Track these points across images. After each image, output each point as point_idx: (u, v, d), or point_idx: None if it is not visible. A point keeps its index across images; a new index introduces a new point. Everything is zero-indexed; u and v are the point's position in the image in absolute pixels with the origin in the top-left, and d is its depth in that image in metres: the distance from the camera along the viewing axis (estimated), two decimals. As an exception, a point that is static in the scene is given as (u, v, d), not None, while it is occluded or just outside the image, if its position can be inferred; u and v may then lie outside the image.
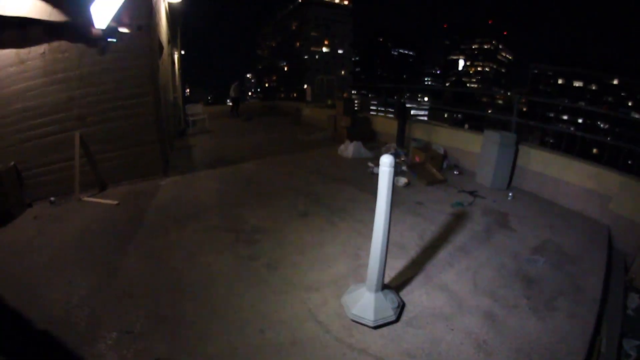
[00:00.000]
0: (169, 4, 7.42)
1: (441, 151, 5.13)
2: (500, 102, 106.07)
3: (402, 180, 4.12)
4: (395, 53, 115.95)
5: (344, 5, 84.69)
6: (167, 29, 8.54)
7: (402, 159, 5.17)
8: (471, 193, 4.04)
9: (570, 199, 3.86)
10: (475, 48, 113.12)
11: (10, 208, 4.10)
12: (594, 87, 68.05)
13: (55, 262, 2.69)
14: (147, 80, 4.37)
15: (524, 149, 4.36)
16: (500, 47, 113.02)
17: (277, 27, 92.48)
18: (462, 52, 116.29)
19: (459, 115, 42.59)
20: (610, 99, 65.41)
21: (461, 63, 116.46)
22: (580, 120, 58.70)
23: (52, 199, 4.46)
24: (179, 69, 14.94)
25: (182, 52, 16.49)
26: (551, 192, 4.09)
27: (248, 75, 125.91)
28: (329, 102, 10.67)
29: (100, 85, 4.48)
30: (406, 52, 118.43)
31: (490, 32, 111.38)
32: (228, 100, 17.71)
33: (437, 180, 4.38)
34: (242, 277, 2.37)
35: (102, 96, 4.46)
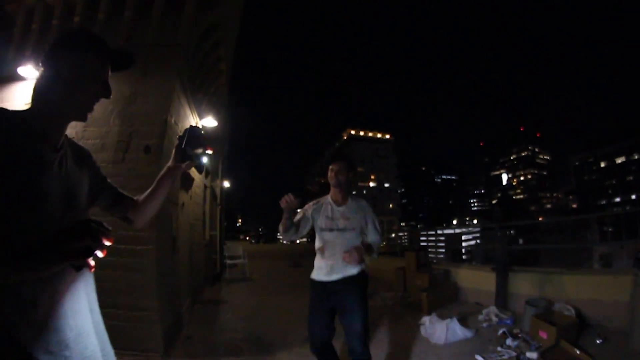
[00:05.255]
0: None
1: (572, 312, 3.46)
2: (548, 205, 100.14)
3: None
4: (439, 180, 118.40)
5: (387, 139, 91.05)
6: (202, 158, 7.93)
7: (519, 335, 3.44)
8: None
9: None
10: (513, 158, 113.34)
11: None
12: (636, 157, 64.42)
13: None
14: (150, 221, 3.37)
15: None
16: (537, 150, 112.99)
17: (326, 164, 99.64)
18: (502, 166, 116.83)
19: (511, 232, 38.95)
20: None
21: (504, 177, 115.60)
22: (633, 197, 54.08)
23: None
24: (219, 203, 14.09)
25: (226, 184, 16.03)
26: None
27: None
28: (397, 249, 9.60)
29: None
30: (449, 177, 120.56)
31: (524, 138, 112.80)
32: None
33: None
34: None
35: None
